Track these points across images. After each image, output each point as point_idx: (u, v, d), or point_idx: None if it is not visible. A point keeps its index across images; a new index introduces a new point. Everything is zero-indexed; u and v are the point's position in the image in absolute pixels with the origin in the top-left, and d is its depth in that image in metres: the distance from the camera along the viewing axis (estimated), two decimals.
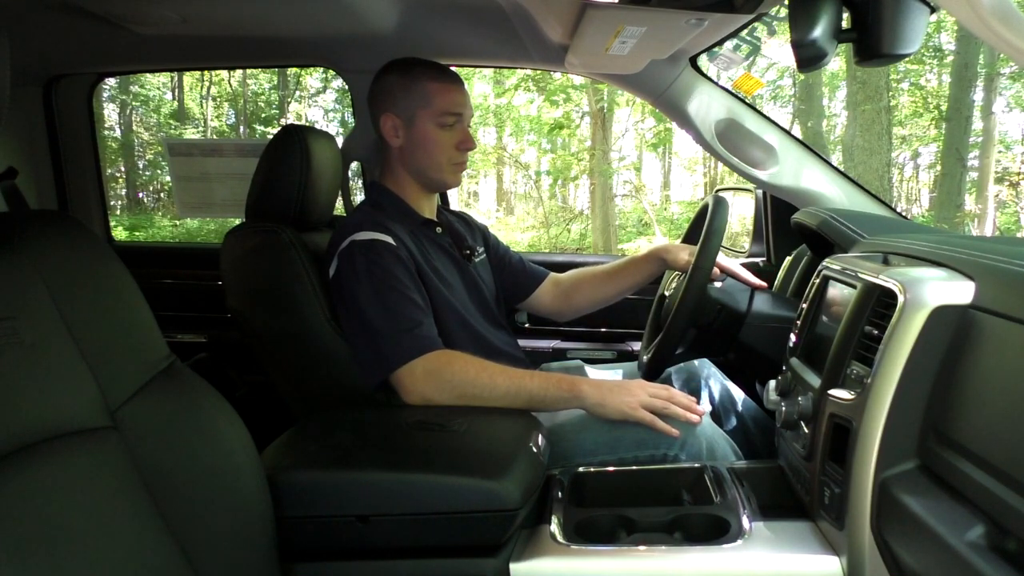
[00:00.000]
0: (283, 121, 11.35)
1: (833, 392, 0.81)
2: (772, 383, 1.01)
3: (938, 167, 9.30)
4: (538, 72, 7.57)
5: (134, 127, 11.43)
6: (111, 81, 10.14)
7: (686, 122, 1.62)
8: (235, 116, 11.82)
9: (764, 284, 1.34)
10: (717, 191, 1.52)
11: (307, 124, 3.25)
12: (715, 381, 1.45)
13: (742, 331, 1.27)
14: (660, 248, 1.45)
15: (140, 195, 11.54)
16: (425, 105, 1.27)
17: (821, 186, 1.58)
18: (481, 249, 1.48)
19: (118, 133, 11.25)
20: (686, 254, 1.38)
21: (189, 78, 11.17)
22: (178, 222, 9.34)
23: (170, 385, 0.76)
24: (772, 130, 1.60)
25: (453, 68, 1.37)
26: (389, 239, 1.19)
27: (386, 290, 1.14)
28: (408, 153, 1.31)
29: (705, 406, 1.41)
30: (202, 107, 11.74)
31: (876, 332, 0.76)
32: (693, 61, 1.56)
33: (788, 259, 1.63)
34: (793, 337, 1.03)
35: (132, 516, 0.67)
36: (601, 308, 1.56)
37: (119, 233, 7.39)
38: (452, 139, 1.30)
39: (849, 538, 0.77)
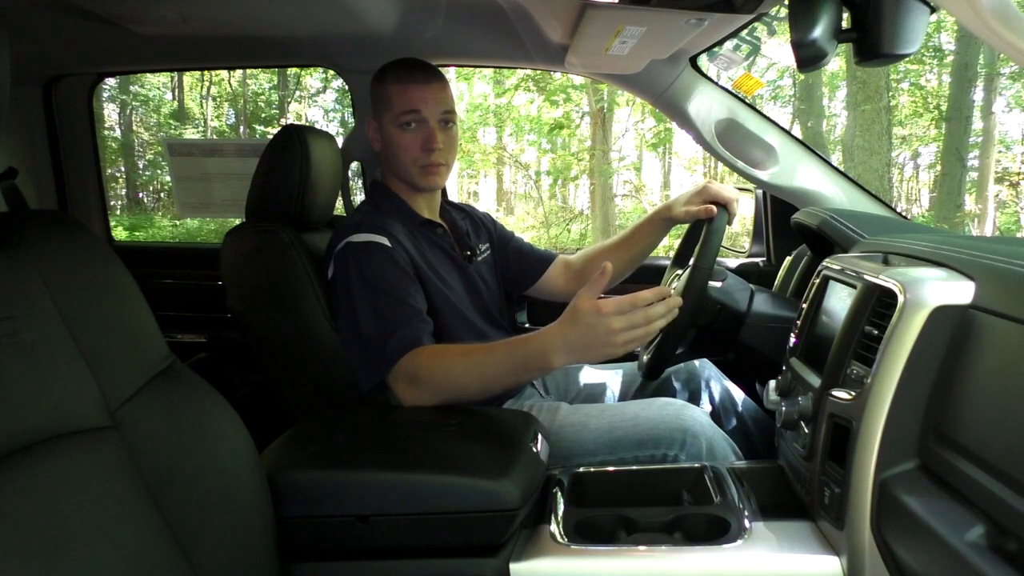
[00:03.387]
0: (283, 121, 11.35)
1: (833, 392, 0.81)
2: (772, 383, 1.01)
3: (938, 167, 9.30)
4: (538, 72, 7.57)
5: (134, 127, 11.42)
6: (111, 81, 10.14)
7: (686, 122, 1.62)
8: (235, 116, 11.81)
9: (714, 210, 1.27)
10: None
11: (307, 124, 3.25)
12: (715, 381, 1.45)
13: (742, 331, 1.27)
14: (662, 208, 1.42)
15: (140, 195, 11.53)
16: (387, 108, 1.27)
17: (821, 186, 1.58)
18: (484, 246, 1.47)
19: (118, 133, 11.23)
20: (689, 206, 1.33)
21: (189, 78, 11.16)
22: (178, 222, 9.33)
23: (170, 385, 0.76)
24: (772, 130, 1.60)
25: (453, 68, 1.37)
26: (385, 240, 1.19)
27: (377, 294, 1.14)
28: (384, 157, 1.33)
29: (705, 406, 1.41)
30: (202, 107, 11.73)
31: (876, 332, 0.76)
32: (693, 61, 1.56)
33: (788, 259, 1.63)
34: (793, 337, 1.03)
35: (132, 516, 0.67)
36: (617, 283, 1.52)
37: (119, 233, 7.38)
38: (415, 140, 1.26)
39: (849, 538, 0.77)
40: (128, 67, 2.60)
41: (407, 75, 1.27)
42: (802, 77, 9.01)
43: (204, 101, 11.71)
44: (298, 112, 11.92)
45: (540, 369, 1.03)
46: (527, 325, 2.01)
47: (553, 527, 0.91)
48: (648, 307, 0.94)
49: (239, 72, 10.96)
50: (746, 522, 0.88)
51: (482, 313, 1.35)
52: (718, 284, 1.28)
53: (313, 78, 11.54)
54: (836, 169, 1.60)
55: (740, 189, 2.07)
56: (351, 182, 1.90)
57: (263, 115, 11.46)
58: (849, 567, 0.79)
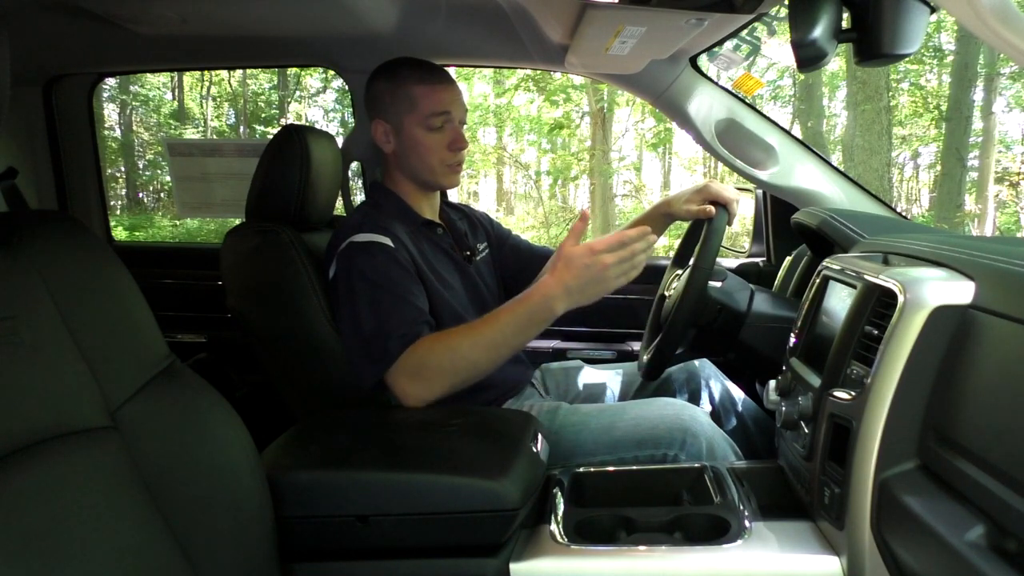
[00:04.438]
0: (283, 121, 11.34)
1: (833, 392, 0.81)
2: (772, 383, 1.01)
3: (938, 167, 9.30)
4: (538, 72, 7.57)
5: (134, 127, 11.41)
6: (111, 81, 10.13)
7: (686, 122, 1.62)
8: (235, 116, 11.80)
9: (712, 211, 1.27)
10: None
11: (307, 124, 3.25)
12: (715, 381, 1.45)
13: (742, 331, 1.27)
14: (662, 203, 1.42)
15: (140, 195, 11.53)
16: (411, 110, 1.26)
17: (821, 186, 1.58)
18: (483, 245, 1.47)
19: (118, 133, 11.23)
20: (689, 204, 1.33)
21: (189, 78, 11.15)
22: (178, 222, 9.33)
23: (170, 385, 0.76)
24: (772, 130, 1.60)
25: (453, 68, 1.37)
26: (387, 240, 1.19)
27: (379, 292, 1.14)
28: (401, 158, 1.31)
29: (705, 406, 1.41)
30: (202, 107, 11.73)
31: (876, 332, 0.76)
32: (693, 61, 1.56)
33: (788, 259, 1.63)
34: (793, 337, 1.03)
35: (132, 516, 0.67)
36: None
37: (119, 233, 7.38)
38: (443, 140, 1.28)
39: (849, 538, 0.77)
40: (128, 67, 2.61)
41: (430, 76, 1.28)
42: (802, 77, 9.01)
43: (204, 101, 11.71)
44: (298, 112, 11.91)
45: (545, 320, 1.07)
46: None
47: (553, 527, 0.91)
48: (634, 243, 1.04)
49: (239, 72, 10.95)
50: (746, 522, 0.88)
51: (481, 314, 1.34)
52: (718, 284, 1.28)
53: (313, 78, 11.54)
54: (836, 169, 1.60)
55: (740, 189, 2.07)
56: (351, 182, 1.90)
57: (263, 115, 11.46)
58: (849, 567, 0.79)
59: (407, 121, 1.27)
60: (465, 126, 1.33)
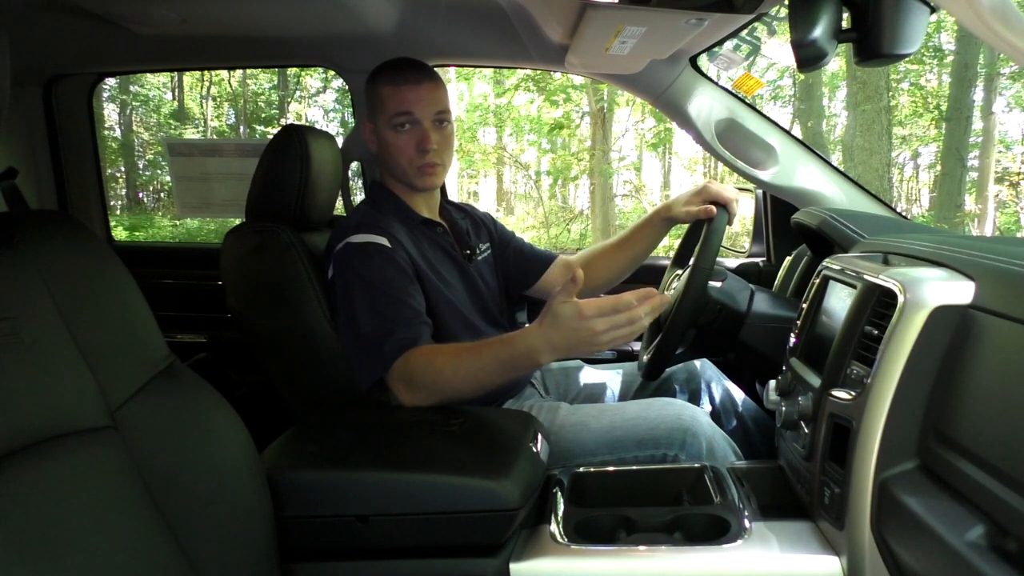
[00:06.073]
0: (283, 121, 11.35)
1: (833, 392, 0.81)
2: (772, 383, 1.01)
3: (938, 167, 9.30)
4: (538, 72, 7.57)
5: (134, 127, 11.41)
6: (111, 81, 10.13)
7: (686, 122, 1.62)
8: (235, 116, 11.80)
9: (714, 210, 1.28)
10: None
11: (307, 124, 3.25)
12: (715, 381, 1.45)
13: (742, 331, 1.27)
14: (662, 208, 1.44)
15: (140, 195, 11.53)
16: (381, 111, 1.27)
17: (821, 186, 1.58)
18: (484, 245, 1.47)
19: (118, 133, 11.23)
20: (689, 206, 1.34)
21: (189, 78, 11.15)
22: (178, 222, 9.33)
23: (170, 385, 0.76)
24: (772, 130, 1.60)
25: (453, 68, 1.37)
26: (384, 241, 1.19)
27: (376, 293, 1.14)
28: (381, 158, 1.33)
29: (705, 406, 1.41)
30: (202, 107, 11.73)
31: (876, 332, 0.76)
32: (693, 61, 1.56)
33: (788, 259, 1.63)
34: (793, 337, 1.03)
35: (132, 516, 0.67)
36: (618, 283, 1.52)
37: (119, 233, 7.37)
38: (410, 141, 1.27)
39: (849, 538, 0.77)
40: (128, 67, 2.60)
41: (398, 76, 1.27)
42: (802, 77, 9.00)
43: (204, 101, 11.71)
44: (298, 112, 11.91)
45: (528, 367, 1.04)
46: (527, 325, 2.01)
47: (553, 527, 0.91)
48: (631, 309, 0.93)
49: (239, 72, 10.95)
50: (746, 522, 0.88)
51: (482, 312, 1.35)
52: (718, 284, 1.28)
53: (313, 78, 11.54)
54: (836, 169, 1.60)
55: (740, 189, 2.07)
56: (351, 182, 1.90)
57: (263, 115, 11.46)
58: (849, 567, 0.79)
59: (379, 122, 1.28)
60: (448, 124, 1.30)
